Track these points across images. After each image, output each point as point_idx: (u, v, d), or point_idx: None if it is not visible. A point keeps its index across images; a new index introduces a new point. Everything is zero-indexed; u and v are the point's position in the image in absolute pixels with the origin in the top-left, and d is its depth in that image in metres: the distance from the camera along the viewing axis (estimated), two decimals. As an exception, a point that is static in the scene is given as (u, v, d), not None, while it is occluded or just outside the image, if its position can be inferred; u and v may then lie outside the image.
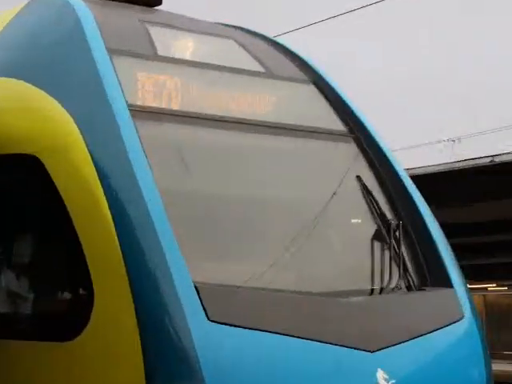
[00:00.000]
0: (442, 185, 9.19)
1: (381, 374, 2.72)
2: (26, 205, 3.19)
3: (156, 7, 4.22)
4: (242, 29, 4.46)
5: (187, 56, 3.74)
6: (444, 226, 3.78)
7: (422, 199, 3.76)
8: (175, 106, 3.35)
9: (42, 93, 3.16)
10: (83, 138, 2.91)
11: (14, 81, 3.32)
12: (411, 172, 7.20)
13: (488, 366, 3.31)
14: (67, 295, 2.96)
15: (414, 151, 23.55)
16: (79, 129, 2.94)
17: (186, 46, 3.85)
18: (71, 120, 2.99)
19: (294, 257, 3.14)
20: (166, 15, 4.19)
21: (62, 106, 3.06)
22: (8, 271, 3.20)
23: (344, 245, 3.67)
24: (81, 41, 3.24)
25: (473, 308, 3.44)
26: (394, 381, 2.73)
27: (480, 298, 17.44)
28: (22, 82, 3.28)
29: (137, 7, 4.09)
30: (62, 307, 2.93)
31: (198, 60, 3.68)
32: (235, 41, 4.00)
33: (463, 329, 3.29)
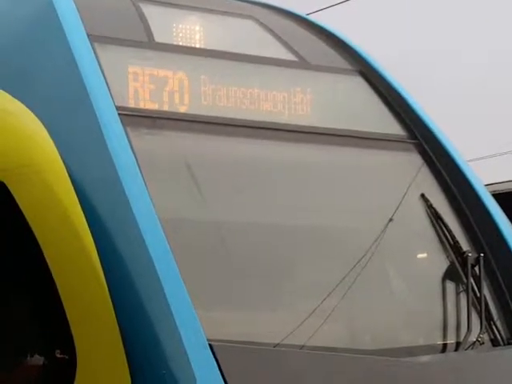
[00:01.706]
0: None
1: None
2: None
3: None
4: (264, 5, 3.46)
5: (194, 43, 2.81)
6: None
7: (510, 225, 2.85)
8: (180, 109, 2.54)
9: (11, 99, 2.35)
10: (60, 155, 2.14)
11: None
12: (492, 188, 6.11)
13: None
14: (47, 361, 2.13)
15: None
16: (55, 143, 2.17)
17: (192, 30, 2.82)
18: (44, 133, 2.20)
19: (342, 304, 2.37)
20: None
21: (33, 113, 2.26)
22: None
23: (408, 287, 2.80)
24: (54, 25, 2.40)
25: None
26: None
27: None
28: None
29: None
30: (46, 368, 2.12)
31: (208, 47, 2.79)
32: (256, 21, 3.08)
33: None
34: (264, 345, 2.07)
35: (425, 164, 2.93)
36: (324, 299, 2.30)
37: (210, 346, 1.80)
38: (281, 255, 2.45)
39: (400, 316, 2.64)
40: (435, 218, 2.75)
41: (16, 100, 2.35)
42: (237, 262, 2.32)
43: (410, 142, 2.98)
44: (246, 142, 2.62)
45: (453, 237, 2.70)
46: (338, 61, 3.10)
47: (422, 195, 2.81)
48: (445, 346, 2.59)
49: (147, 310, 1.88)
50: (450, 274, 2.68)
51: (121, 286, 1.93)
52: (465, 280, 2.61)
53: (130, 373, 1.80)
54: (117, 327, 1.87)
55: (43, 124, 2.21)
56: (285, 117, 2.73)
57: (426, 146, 2.95)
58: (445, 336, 2.60)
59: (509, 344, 2.61)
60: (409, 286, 2.79)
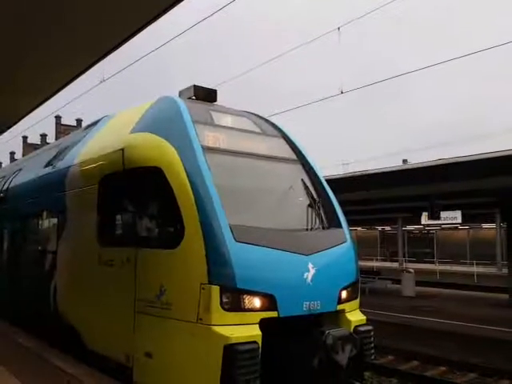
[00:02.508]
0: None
1: (310, 265, 5.66)
2: (154, 191, 6.09)
3: (213, 102, 7.44)
4: (250, 112, 7.75)
5: (226, 124, 6.92)
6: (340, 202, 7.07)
7: (331, 191, 7.04)
8: (221, 146, 6.42)
9: (161, 138, 6.08)
10: (180, 159, 5.76)
11: (149, 133, 6.31)
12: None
13: (357, 263, 6.56)
14: (175, 230, 5.58)
15: None
16: (178, 155, 5.80)
17: (225, 120, 6.97)
18: (174, 150, 5.85)
19: (277, 214, 6.38)
20: (217, 106, 7.37)
21: (170, 143, 5.96)
22: (153, 222, 6.19)
23: (298, 210, 6.62)
24: (180, 117, 6.26)
25: (351, 237, 6.68)
26: (316, 267, 5.67)
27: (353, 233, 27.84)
28: (153, 134, 6.25)
29: (205, 102, 7.27)
30: (174, 234, 5.58)
31: (231, 126, 6.94)
32: (247, 117, 7.45)
33: (347, 246, 6.47)
34: (249, 227, 5.67)
35: (303, 169, 7.18)
36: (272, 213, 6.33)
37: (230, 226, 5.36)
38: (257, 198, 6.38)
39: (296, 220, 6.46)
40: (306, 187, 6.87)
41: (159, 136, 6.16)
42: (242, 202, 6.11)
43: (298, 161, 7.25)
44: (245, 159, 6.59)
45: (312, 194, 6.83)
46: (274, 132, 7.54)
47: (302, 179, 6.94)
48: (308, 228, 6.42)
49: (209, 217, 5.35)
50: (311, 206, 6.66)
51: (201, 207, 5.38)
52: (316, 208, 6.71)
53: (205, 249, 5.22)
54: (198, 221, 5.32)
55: (172, 145, 5.93)
56: (258, 150, 6.85)
57: (304, 163, 7.25)
58: (309, 226, 6.45)
59: (327, 229, 6.64)
60: (298, 210, 6.64)
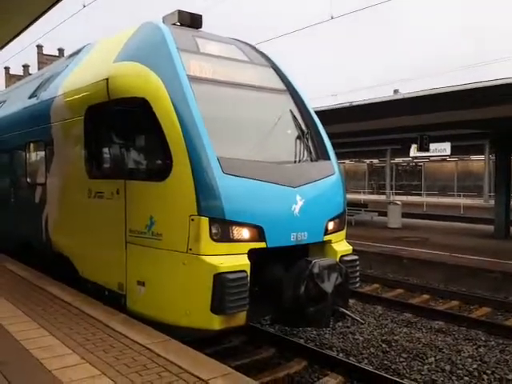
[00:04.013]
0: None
1: (298, 197, 5.77)
2: (140, 122, 5.94)
3: (199, 29, 7.15)
4: (239, 40, 7.57)
5: (213, 52, 6.68)
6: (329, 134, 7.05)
7: (320, 123, 7.00)
8: (208, 76, 6.26)
9: (146, 67, 5.89)
10: (166, 89, 5.61)
11: (133, 62, 6.10)
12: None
13: (344, 195, 6.69)
14: (163, 162, 5.57)
15: None
16: (164, 85, 5.64)
17: (212, 48, 6.73)
18: (160, 80, 5.68)
19: (265, 146, 6.19)
20: (203, 33, 7.08)
21: (155, 73, 5.78)
22: (140, 155, 6.20)
23: (286, 142, 6.60)
24: (165, 44, 6.06)
25: (339, 170, 6.73)
26: (304, 199, 5.80)
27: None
28: (137, 63, 6.04)
29: (190, 29, 7.00)
30: (162, 167, 5.57)
31: (218, 54, 6.71)
32: (235, 45, 7.22)
33: (335, 177, 6.55)
34: (235, 159, 5.62)
35: (291, 99, 7.06)
36: (259, 144, 6.11)
37: (218, 158, 5.35)
38: (242, 128, 6.32)
39: (284, 151, 6.48)
40: (294, 118, 6.83)
41: (143, 65, 5.93)
42: (230, 134, 6.05)
43: (287, 91, 7.11)
44: (230, 88, 6.41)
45: (301, 125, 6.81)
46: (262, 61, 7.35)
47: (290, 110, 6.88)
48: (297, 161, 6.44)
49: (196, 147, 5.31)
50: (295, 137, 6.62)
51: (188, 136, 5.35)
52: (306, 140, 6.69)
53: (194, 181, 5.24)
54: (186, 152, 5.31)
55: (157, 75, 5.74)
56: (244, 80, 6.64)
57: (292, 93, 7.11)
58: (298, 158, 6.46)
59: (316, 161, 6.68)
60: (286, 141, 6.62)
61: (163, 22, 6.95)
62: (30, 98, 9.16)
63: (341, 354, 7.07)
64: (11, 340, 4.78)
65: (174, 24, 6.91)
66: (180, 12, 6.97)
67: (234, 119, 6.24)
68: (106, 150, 6.52)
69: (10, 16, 7.13)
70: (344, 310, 5.72)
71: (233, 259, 5.18)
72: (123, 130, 6.13)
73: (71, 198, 7.34)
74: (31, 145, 8.99)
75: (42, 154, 8.44)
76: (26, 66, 42.46)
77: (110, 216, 6.24)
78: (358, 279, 6.50)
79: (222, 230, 5.19)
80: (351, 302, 9.48)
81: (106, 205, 6.33)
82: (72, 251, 7.28)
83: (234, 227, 5.26)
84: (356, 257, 6.49)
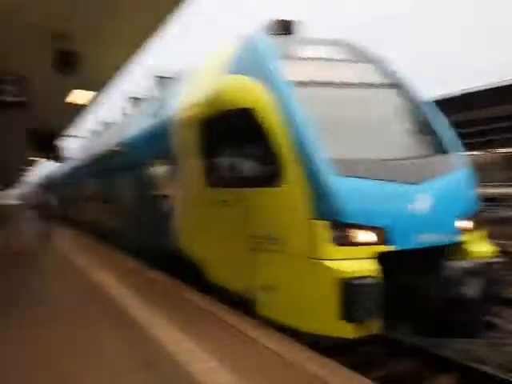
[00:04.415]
0: None
1: (422, 194, 5.36)
2: (249, 131, 6.01)
3: (295, 34, 7.49)
4: (336, 40, 7.33)
5: (312, 55, 6.74)
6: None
7: (439, 114, 6.57)
8: (310, 79, 6.25)
9: (250, 78, 6.21)
10: (270, 97, 5.79)
11: (238, 75, 6.47)
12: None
13: (475, 189, 5.99)
14: (275, 168, 5.60)
15: None
16: (268, 93, 5.83)
17: (311, 51, 6.80)
18: (264, 90, 5.90)
19: (379, 143, 5.92)
20: (301, 37, 7.41)
21: (259, 83, 6.02)
22: (253, 163, 6.20)
23: (401, 137, 6.27)
24: (265, 54, 6.37)
25: (466, 163, 6.16)
26: (428, 196, 5.37)
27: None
28: (242, 75, 6.39)
29: (287, 35, 7.33)
30: (275, 172, 5.60)
31: (317, 56, 6.75)
32: (334, 46, 7.08)
33: (461, 172, 5.99)
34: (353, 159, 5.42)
35: (400, 93, 6.69)
36: (375, 142, 5.91)
37: (331, 160, 5.24)
38: (357, 131, 5.97)
39: (407, 148, 6.07)
40: (405, 111, 6.52)
41: (248, 77, 6.25)
42: (341, 134, 5.77)
43: (394, 86, 6.76)
44: (335, 88, 6.32)
45: (419, 123, 6.42)
46: (360, 57, 7.04)
47: (400, 104, 6.56)
48: (422, 156, 5.98)
49: (305, 150, 5.33)
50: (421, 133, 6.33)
51: (297, 142, 5.38)
52: (428, 135, 6.30)
53: (308, 185, 5.23)
54: (296, 159, 5.36)
55: (261, 85, 5.97)
56: (347, 79, 6.53)
57: (398, 87, 6.75)
58: (422, 152, 6.04)
59: (441, 154, 6.11)
60: (407, 136, 6.31)
61: (260, 32, 7.39)
62: (151, 118, 9.94)
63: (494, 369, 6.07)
64: (155, 342, 5.13)
65: (271, 33, 7.35)
66: (276, 21, 7.49)
67: (344, 119, 6.04)
68: (220, 160, 6.76)
69: (123, 42, 7.86)
70: (493, 319, 5.15)
71: (359, 263, 4.92)
72: (234, 140, 6.40)
73: (195, 207, 7.70)
74: (156, 160, 9.64)
75: (165, 168, 9.03)
76: (146, 89, 46.50)
77: (231, 223, 6.42)
78: (501, 283, 5.81)
79: (343, 232, 4.99)
80: (494, 308, 8.49)
81: (226, 212, 6.52)
82: (200, 258, 7.66)
83: (354, 229, 5.03)
84: (499, 259, 5.84)
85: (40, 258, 12.64)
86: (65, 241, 16.72)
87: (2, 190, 62.87)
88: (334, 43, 7.23)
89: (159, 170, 9.58)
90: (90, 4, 6.23)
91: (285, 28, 7.39)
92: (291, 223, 5.36)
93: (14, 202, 74.63)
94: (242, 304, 6.23)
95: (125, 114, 16.02)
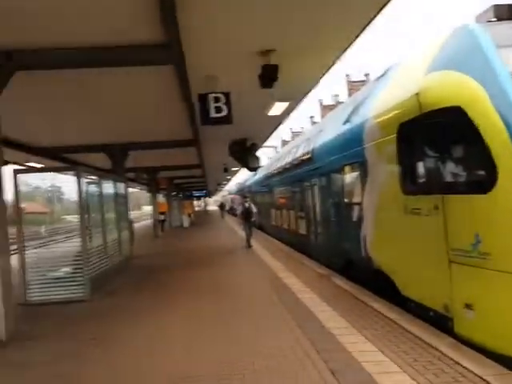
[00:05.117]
0: None
1: None
2: (456, 132, 5.52)
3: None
4: None
5: None
6: None
7: None
8: None
9: (459, 74, 5.51)
10: (485, 93, 5.06)
11: (445, 71, 5.82)
12: None
13: None
14: (485, 172, 5.08)
15: None
16: (482, 89, 5.09)
17: None
18: (477, 85, 5.18)
19: None
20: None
21: (471, 78, 5.30)
22: (458, 167, 5.64)
23: None
24: (480, 46, 5.49)
25: None
26: None
27: None
28: (449, 71, 5.72)
29: (510, 21, 6.05)
30: (485, 177, 5.08)
31: None
32: None
33: None
34: None
35: None
36: None
37: None
38: None
39: None
40: None
41: (457, 72, 5.58)
42: None
43: None
44: None
45: None
46: None
47: None
48: None
49: None
50: None
51: None
52: None
53: None
54: None
55: (474, 80, 5.25)
56: None
57: None
58: None
59: None
60: None
61: (476, 21, 6.41)
62: (344, 123, 9.85)
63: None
64: (343, 350, 5.11)
65: (489, 21, 6.26)
66: (495, 6, 6.28)
67: None
68: (420, 164, 6.32)
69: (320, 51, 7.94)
70: None
71: None
72: (438, 143, 5.84)
73: (387, 214, 7.43)
74: (347, 167, 9.64)
75: (357, 174, 8.91)
76: (335, 96, 46.82)
77: (428, 233, 5.98)
78: None
79: None
80: None
81: (423, 221, 6.11)
82: (391, 269, 7.34)
83: None
84: None
85: (239, 258, 13.99)
86: (259, 244, 17.97)
87: (208, 196, 70.97)
88: None
89: (350, 176, 9.57)
90: (295, 20, 6.48)
91: (508, 13, 6.18)
92: (502, 235, 4.75)
93: (213, 207, 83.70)
94: (439, 321, 5.78)
95: (319, 122, 16.44)
